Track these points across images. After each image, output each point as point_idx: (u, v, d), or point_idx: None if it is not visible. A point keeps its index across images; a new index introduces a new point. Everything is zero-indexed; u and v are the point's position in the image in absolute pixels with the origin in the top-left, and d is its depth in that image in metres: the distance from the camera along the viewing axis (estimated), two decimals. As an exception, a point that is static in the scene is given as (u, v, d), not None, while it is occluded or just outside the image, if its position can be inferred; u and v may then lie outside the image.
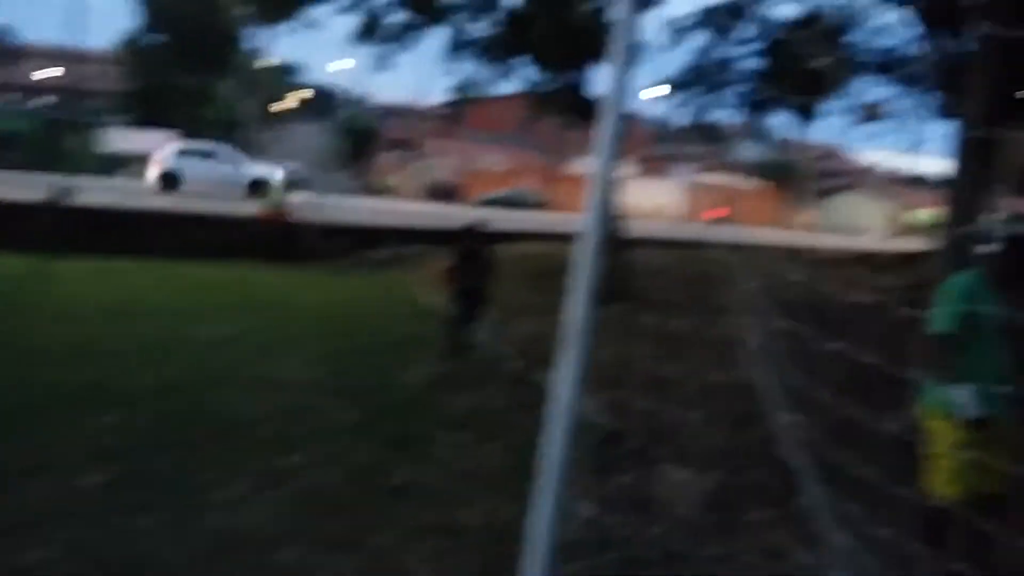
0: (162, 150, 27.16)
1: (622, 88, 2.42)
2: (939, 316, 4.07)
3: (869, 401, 3.49)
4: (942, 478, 4.11)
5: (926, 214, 49.32)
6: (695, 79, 15.67)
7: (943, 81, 12.41)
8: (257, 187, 24.51)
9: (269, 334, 9.94)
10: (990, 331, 3.99)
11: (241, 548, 4.27)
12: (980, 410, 3.88)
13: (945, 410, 4.15)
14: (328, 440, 6.08)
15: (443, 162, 49.99)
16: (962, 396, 3.92)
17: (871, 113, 25.23)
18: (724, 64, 15.54)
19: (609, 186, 2.43)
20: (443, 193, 45.22)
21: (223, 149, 28.19)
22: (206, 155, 26.95)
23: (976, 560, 3.87)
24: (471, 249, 9.56)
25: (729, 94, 16.14)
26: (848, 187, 46.32)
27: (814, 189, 41.42)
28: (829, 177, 44.27)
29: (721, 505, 4.92)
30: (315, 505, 4.85)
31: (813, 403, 3.59)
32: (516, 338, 10.16)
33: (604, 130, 2.41)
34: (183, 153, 26.88)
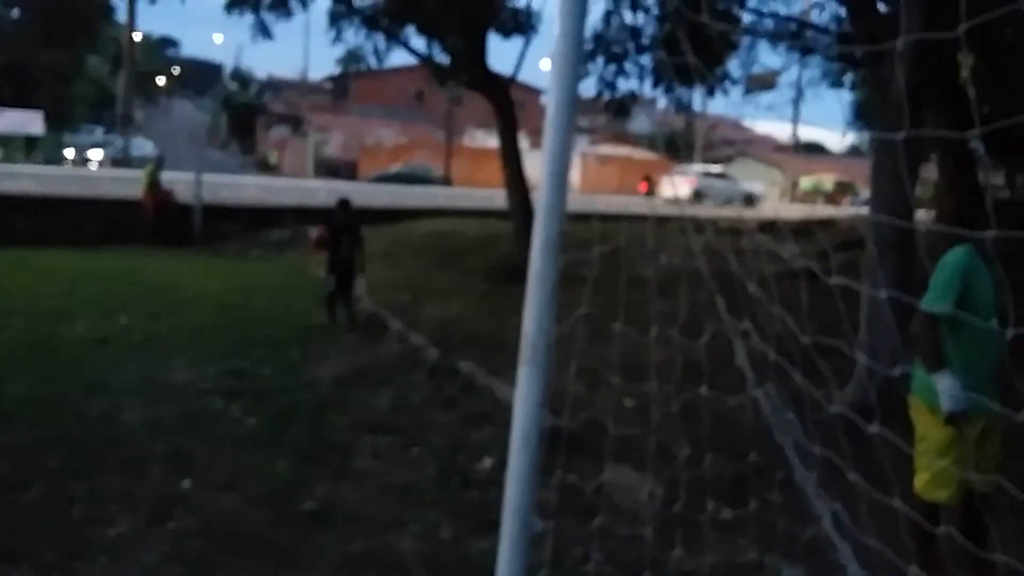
0: (686, 173, 35.31)
1: (574, 51, 1.95)
2: (935, 294, 3.66)
3: (813, 377, 3.01)
4: (928, 479, 3.73)
5: (809, 181, 50.74)
6: (596, 48, 15.18)
7: (854, 55, 12.28)
8: (750, 199, 35.43)
9: (158, 329, 8.99)
10: (983, 312, 3.60)
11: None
12: (960, 405, 3.48)
13: (931, 403, 3.76)
14: (230, 455, 5.32)
15: (332, 137, 48.35)
16: (944, 386, 3.52)
17: (764, 82, 25.47)
18: (626, 32, 15.07)
19: (565, 171, 1.95)
20: (335, 169, 43.71)
21: (726, 170, 39.75)
22: (716, 175, 37.51)
23: (970, 567, 3.52)
24: (343, 223, 9.75)
25: (630, 64, 15.73)
26: (741, 155, 47.15)
27: (708, 158, 42.01)
28: (722, 146, 44.88)
29: (680, 506, 4.41)
30: (219, 539, 4.13)
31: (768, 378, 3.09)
32: (429, 323, 9.54)
33: (556, 104, 1.94)
34: (704, 175, 36.17)
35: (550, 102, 1.97)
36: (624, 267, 3.56)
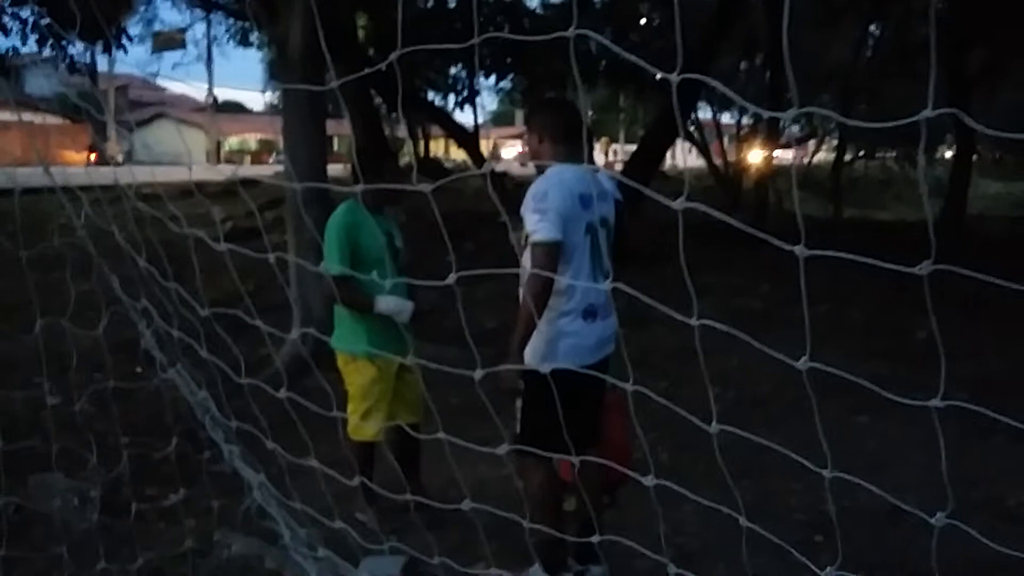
0: None
1: None
2: (329, 257, 3.85)
3: (243, 343, 3.04)
4: (356, 421, 3.97)
5: (235, 141, 50.64)
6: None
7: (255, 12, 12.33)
8: None
9: None
10: (374, 261, 3.90)
11: None
12: (411, 308, 3.86)
13: (351, 352, 3.98)
14: None
15: None
16: (393, 305, 3.81)
17: (171, 40, 24.50)
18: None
19: None
20: None
21: None
22: None
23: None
24: None
25: (8, 19, 13.86)
26: (158, 118, 44.91)
27: (125, 121, 39.32)
28: (139, 108, 42.25)
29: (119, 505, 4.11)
30: None
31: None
32: None
33: None
34: None
35: None
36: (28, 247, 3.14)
